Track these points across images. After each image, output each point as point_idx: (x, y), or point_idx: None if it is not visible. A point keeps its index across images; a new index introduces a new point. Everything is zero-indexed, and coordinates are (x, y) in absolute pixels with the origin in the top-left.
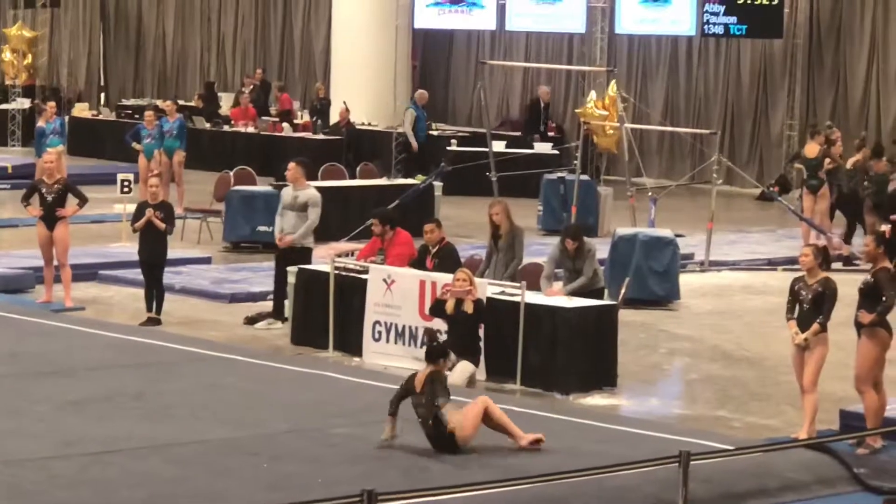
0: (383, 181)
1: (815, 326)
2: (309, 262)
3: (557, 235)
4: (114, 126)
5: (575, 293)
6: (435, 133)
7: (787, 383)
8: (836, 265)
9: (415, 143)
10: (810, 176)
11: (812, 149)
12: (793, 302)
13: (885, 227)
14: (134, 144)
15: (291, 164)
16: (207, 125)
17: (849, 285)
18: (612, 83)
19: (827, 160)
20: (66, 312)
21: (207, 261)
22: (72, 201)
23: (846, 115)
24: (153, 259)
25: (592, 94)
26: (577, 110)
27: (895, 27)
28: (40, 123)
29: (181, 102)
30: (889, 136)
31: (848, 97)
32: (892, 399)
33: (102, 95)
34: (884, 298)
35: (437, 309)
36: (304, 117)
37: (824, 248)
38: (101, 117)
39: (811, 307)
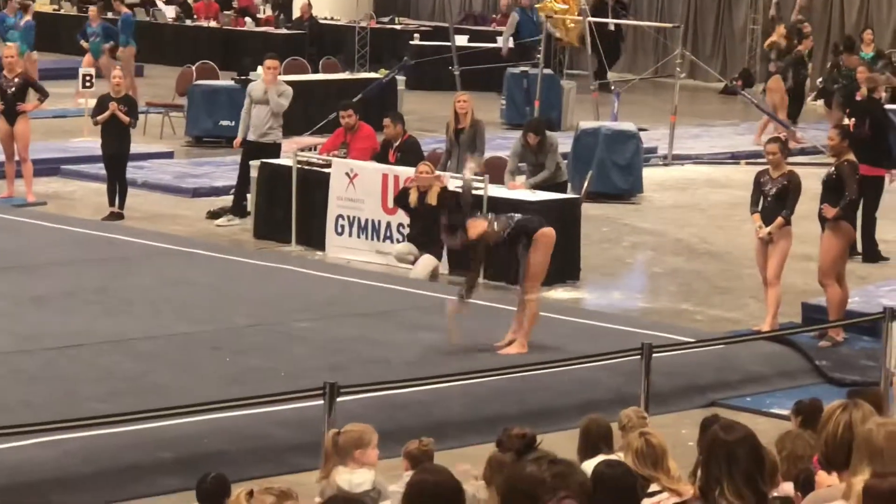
0: (346, 75)
1: (779, 220)
2: (278, 157)
3: (521, 129)
4: (75, 21)
5: (538, 187)
6: (397, 27)
7: (750, 276)
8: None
9: (505, 47)
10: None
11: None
12: (757, 195)
13: (850, 121)
14: (82, 42)
15: (272, 62)
16: (170, 19)
17: (811, 179)
18: None
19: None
20: (27, 207)
21: (170, 155)
22: (32, 96)
23: (812, 9)
24: (116, 153)
25: None
26: (537, 5)
27: None
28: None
29: None
30: (854, 29)
31: None
32: (854, 292)
33: None
34: (846, 193)
35: (401, 200)
36: (266, 11)
37: (786, 140)
38: (62, 12)
39: (775, 200)
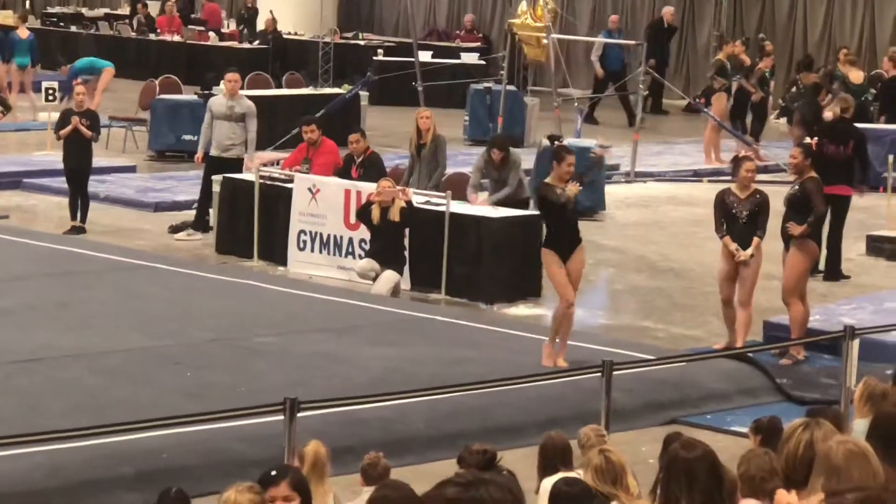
0: (309, 90)
1: (756, 240)
2: (240, 172)
3: (484, 146)
4: (39, 34)
5: (500, 203)
6: (361, 42)
7: (712, 294)
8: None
9: (599, 71)
10: None
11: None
12: (722, 216)
13: (813, 140)
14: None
15: (234, 75)
16: (133, 33)
17: (775, 197)
18: None
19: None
20: None
21: (132, 169)
22: None
23: (773, 27)
24: (79, 167)
25: (523, 5)
26: (511, 21)
27: None
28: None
29: (107, 11)
30: (815, 48)
31: (775, 9)
32: (816, 310)
33: (28, 2)
34: (815, 210)
35: (364, 215)
36: (230, 26)
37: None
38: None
39: (748, 221)
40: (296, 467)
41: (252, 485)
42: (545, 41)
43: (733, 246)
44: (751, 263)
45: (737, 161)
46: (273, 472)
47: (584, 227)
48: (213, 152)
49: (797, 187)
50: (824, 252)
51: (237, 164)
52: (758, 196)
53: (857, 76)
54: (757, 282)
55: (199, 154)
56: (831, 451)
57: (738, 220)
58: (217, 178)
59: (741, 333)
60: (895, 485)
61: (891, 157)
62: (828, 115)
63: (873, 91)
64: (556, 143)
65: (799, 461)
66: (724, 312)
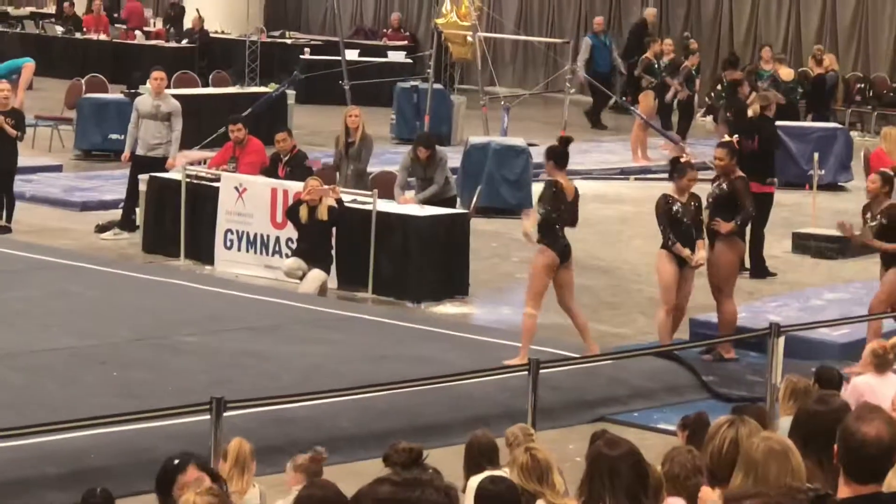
0: (236, 89)
1: (701, 242)
2: (167, 171)
3: (411, 144)
4: None
5: (427, 201)
6: (288, 41)
7: (638, 292)
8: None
9: (581, 75)
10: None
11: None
12: (671, 223)
13: (734, 138)
14: None
15: (159, 74)
16: (59, 32)
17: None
18: None
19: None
20: None
21: (59, 168)
22: None
23: (699, 26)
24: (4, 167)
25: (447, 4)
26: (436, 20)
27: None
28: None
29: (33, 10)
30: (741, 47)
31: (701, 7)
32: (742, 307)
33: None
34: (745, 208)
35: (293, 213)
36: (156, 25)
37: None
38: None
39: (691, 225)
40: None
41: (211, 486)
42: (470, 39)
43: (686, 252)
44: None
45: (678, 166)
46: (176, 461)
47: (511, 224)
48: (140, 151)
49: (724, 186)
50: (747, 249)
51: (164, 163)
52: (697, 199)
53: (787, 73)
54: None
55: (126, 153)
56: (751, 448)
57: (682, 224)
58: (144, 178)
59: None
60: (817, 482)
61: (816, 155)
62: (749, 112)
63: (801, 90)
64: (567, 143)
65: (723, 458)
66: (666, 321)
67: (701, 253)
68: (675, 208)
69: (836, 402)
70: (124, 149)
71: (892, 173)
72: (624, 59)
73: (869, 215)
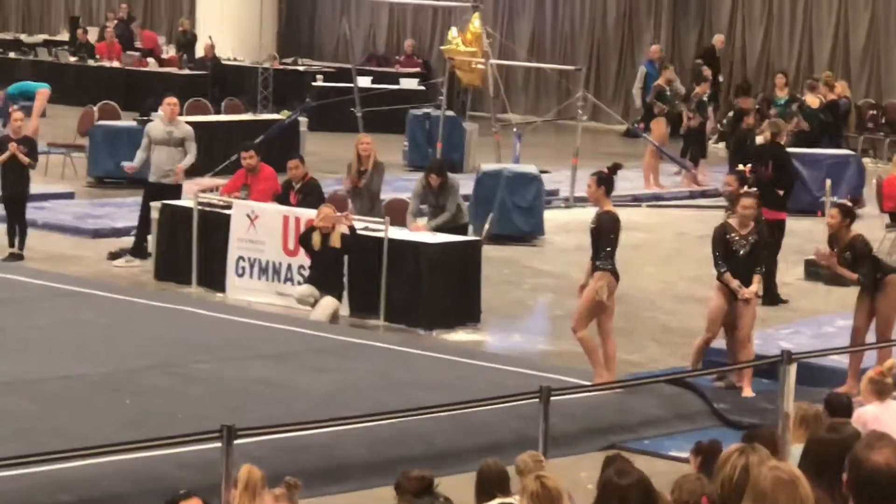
0: (248, 116)
1: (758, 277)
2: (179, 198)
3: (423, 171)
4: None
5: (439, 229)
6: (301, 68)
7: (650, 319)
8: (703, 201)
9: (637, 102)
10: None
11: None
12: (722, 251)
13: (746, 167)
14: None
15: (172, 99)
16: (72, 59)
17: (714, 221)
18: (475, 18)
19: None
20: None
21: (71, 196)
22: None
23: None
24: (16, 194)
25: (453, 31)
26: (442, 47)
27: None
28: None
29: (46, 37)
30: (753, 73)
31: (713, 35)
32: (754, 334)
33: None
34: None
35: (305, 240)
36: (169, 52)
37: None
38: None
39: (747, 258)
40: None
41: None
42: (476, 66)
43: (735, 283)
44: (751, 301)
45: (731, 197)
46: (182, 491)
47: (522, 252)
48: (152, 178)
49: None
50: None
51: (176, 191)
52: (757, 231)
53: (813, 100)
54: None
55: (134, 165)
56: (760, 477)
57: (737, 256)
58: (156, 205)
59: (747, 376)
60: None
61: (828, 182)
62: (759, 139)
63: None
64: (616, 170)
65: (734, 487)
66: (700, 348)
67: (753, 287)
68: (729, 237)
69: (847, 431)
70: (139, 176)
71: (851, 206)
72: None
73: (835, 249)
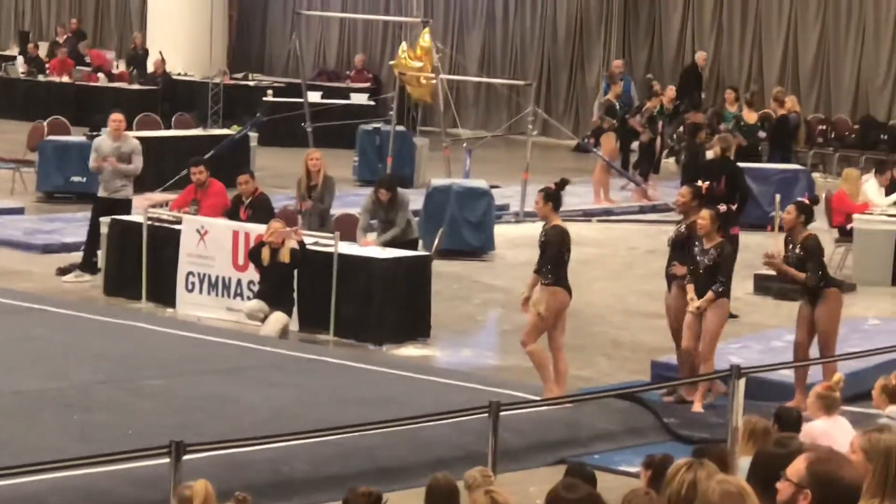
0: (199, 131)
1: (710, 294)
2: (129, 213)
3: (373, 186)
4: None
5: (388, 244)
6: (251, 83)
7: (600, 334)
8: (652, 216)
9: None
10: None
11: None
12: (686, 256)
13: (704, 183)
14: None
15: (118, 116)
16: (22, 74)
17: (663, 236)
18: (425, 33)
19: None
20: None
21: (20, 211)
22: None
23: (661, 67)
24: None
25: (404, 46)
26: (391, 62)
27: None
28: None
29: None
30: (704, 87)
31: (663, 49)
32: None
33: None
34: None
35: (255, 255)
36: (120, 67)
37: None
38: None
39: (707, 272)
40: None
41: None
42: (424, 81)
43: (690, 294)
44: (709, 316)
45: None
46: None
47: (472, 267)
48: (101, 193)
49: (683, 228)
50: None
51: (126, 206)
52: (720, 246)
53: (750, 116)
54: (716, 338)
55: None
56: (707, 491)
57: (697, 266)
58: (105, 220)
59: (700, 391)
60: None
61: (778, 196)
62: (710, 154)
63: (762, 133)
64: (564, 186)
65: (681, 501)
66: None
67: (699, 302)
68: (696, 243)
69: (794, 445)
70: (88, 191)
71: (808, 203)
72: (678, 99)
73: (790, 247)
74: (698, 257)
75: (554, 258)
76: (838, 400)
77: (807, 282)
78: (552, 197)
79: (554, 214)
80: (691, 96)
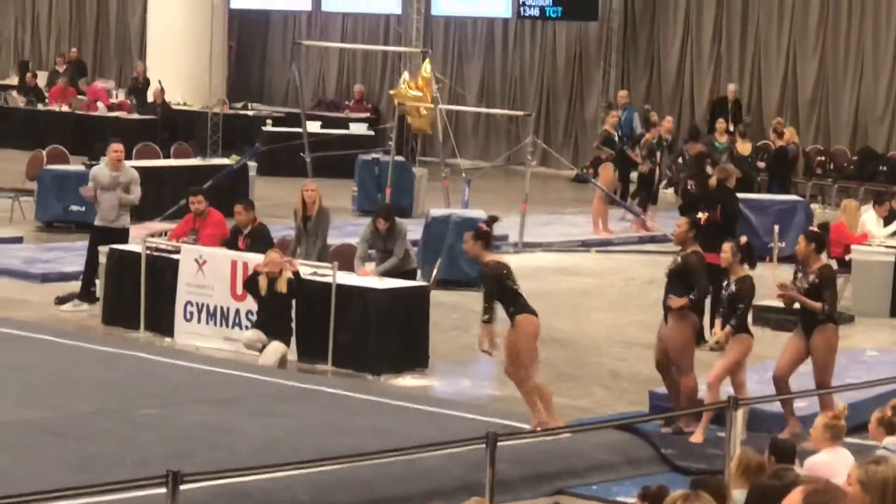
0: (197, 161)
1: (728, 329)
2: (126, 242)
3: (371, 216)
4: None
5: (387, 273)
6: (250, 113)
7: (598, 364)
8: (651, 246)
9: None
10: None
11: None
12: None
13: (703, 215)
14: None
15: (118, 146)
16: (21, 104)
17: (662, 267)
18: (426, 64)
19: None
20: None
21: (19, 240)
22: None
23: (660, 98)
24: None
25: (405, 76)
26: (390, 91)
27: (708, 11)
28: None
29: None
30: (702, 119)
31: (662, 80)
32: (701, 379)
33: None
34: (697, 287)
35: (251, 285)
36: (119, 96)
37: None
38: None
39: (728, 305)
40: None
41: None
42: (424, 112)
43: (716, 327)
44: (728, 349)
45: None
46: None
47: (471, 297)
48: (99, 223)
49: (679, 260)
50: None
51: (123, 234)
52: (744, 281)
53: (744, 147)
54: (728, 369)
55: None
56: None
57: (725, 301)
58: (103, 249)
59: (703, 422)
60: None
61: (776, 227)
62: (711, 182)
63: (758, 164)
64: (493, 222)
65: None
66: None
67: (715, 337)
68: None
69: (790, 477)
70: (87, 220)
71: (818, 232)
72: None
73: (801, 276)
74: (723, 291)
75: (491, 295)
76: (844, 429)
77: (823, 311)
78: (482, 236)
79: (485, 252)
80: (710, 127)
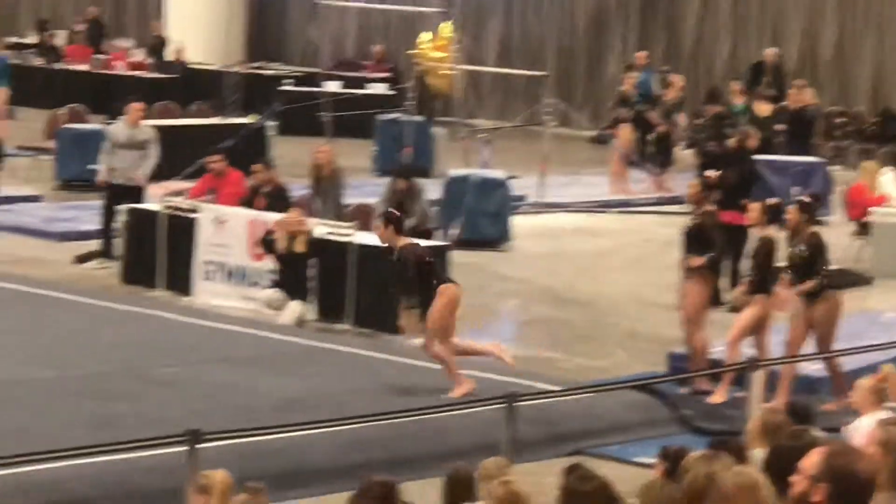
0: (217, 120)
1: (743, 288)
2: (141, 200)
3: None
4: None
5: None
6: (270, 72)
7: (616, 325)
8: (670, 207)
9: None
10: None
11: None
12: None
13: (712, 173)
14: None
15: (139, 104)
16: (39, 62)
17: (671, 227)
18: (447, 25)
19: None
20: None
21: (38, 199)
22: None
23: (678, 59)
24: None
25: (427, 35)
26: (411, 51)
27: None
28: None
29: (15, 39)
30: (721, 80)
31: (680, 41)
32: (720, 341)
33: None
34: (716, 241)
35: (268, 245)
36: (137, 56)
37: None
38: None
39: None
40: None
41: None
42: (443, 72)
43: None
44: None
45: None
46: None
47: (489, 257)
48: (117, 180)
49: (695, 220)
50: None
51: (138, 192)
52: (759, 242)
53: (764, 109)
54: (744, 330)
55: (101, 178)
56: (722, 483)
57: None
58: (122, 209)
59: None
60: None
61: (795, 189)
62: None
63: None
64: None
65: (698, 493)
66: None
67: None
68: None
69: (809, 438)
70: (100, 176)
71: (809, 201)
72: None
73: (795, 246)
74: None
75: (417, 275)
76: (886, 392)
77: (814, 288)
78: (392, 221)
79: (397, 237)
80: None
